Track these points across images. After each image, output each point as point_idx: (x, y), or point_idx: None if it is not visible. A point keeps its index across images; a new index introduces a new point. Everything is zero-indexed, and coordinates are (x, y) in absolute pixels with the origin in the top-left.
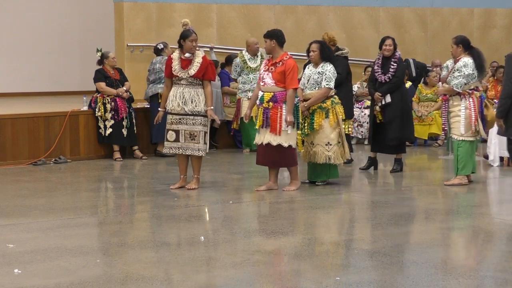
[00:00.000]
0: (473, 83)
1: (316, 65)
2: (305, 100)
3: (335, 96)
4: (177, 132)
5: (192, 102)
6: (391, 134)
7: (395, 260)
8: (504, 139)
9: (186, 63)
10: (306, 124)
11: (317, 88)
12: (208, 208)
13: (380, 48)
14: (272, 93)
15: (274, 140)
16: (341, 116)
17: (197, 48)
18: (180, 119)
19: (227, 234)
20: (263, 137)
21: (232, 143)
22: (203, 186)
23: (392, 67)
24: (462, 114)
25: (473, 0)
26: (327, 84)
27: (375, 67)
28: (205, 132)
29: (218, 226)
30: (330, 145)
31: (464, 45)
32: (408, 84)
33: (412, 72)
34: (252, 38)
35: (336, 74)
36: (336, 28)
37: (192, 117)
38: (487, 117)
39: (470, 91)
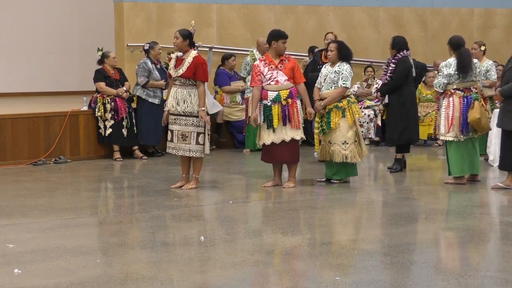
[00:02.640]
0: (458, 83)
1: (333, 64)
2: (321, 99)
3: (351, 96)
4: (172, 132)
5: (184, 103)
6: (387, 135)
7: (395, 260)
8: None
9: (179, 63)
10: (323, 123)
11: (333, 87)
12: (208, 208)
13: None
14: (288, 90)
15: (297, 134)
16: (357, 116)
17: (195, 48)
18: (175, 119)
19: (227, 234)
20: (285, 135)
21: (232, 143)
22: (203, 186)
23: (390, 68)
24: (442, 113)
25: (473, 0)
26: (343, 83)
27: (383, 67)
28: (198, 133)
29: (218, 226)
30: (347, 144)
31: (452, 45)
32: None
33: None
34: (262, 38)
35: (352, 74)
36: (336, 28)
37: (185, 117)
38: (468, 118)
39: (453, 91)
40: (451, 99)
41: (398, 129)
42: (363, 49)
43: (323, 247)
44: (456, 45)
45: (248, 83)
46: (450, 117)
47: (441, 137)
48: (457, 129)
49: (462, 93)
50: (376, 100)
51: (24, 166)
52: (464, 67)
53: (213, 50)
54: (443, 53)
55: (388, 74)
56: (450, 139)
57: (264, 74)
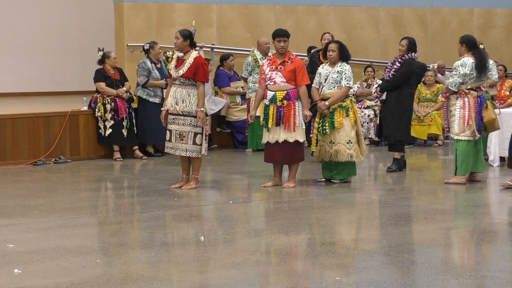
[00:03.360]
0: (471, 83)
1: (333, 64)
2: (323, 99)
3: (352, 95)
4: (170, 131)
5: (183, 102)
6: (384, 133)
7: (395, 260)
8: (504, 139)
9: (180, 63)
10: (326, 123)
11: (336, 87)
12: (208, 208)
13: None
14: (285, 92)
15: (290, 137)
16: (358, 115)
17: (197, 48)
18: (173, 119)
19: (227, 234)
20: (278, 136)
21: (232, 143)
22: (203, 186)
23: (395, 66)
24: (457, 113)
25: (473, 0)
26: (347, 83)
27: (388, 65)
28: (196, 133)
29: (218, 226)
30: (351, 143)
31: (468, 44)
32: None
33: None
34: (263, 37)
35: (353, 74)
36: (336, 28)
37: (183, 117)
38: (484, 118)
39: (467, 91)
40: (466, 99)
41: (391, 128)
42: (363, 49)
43: (323, 247)
44: (473, 45)
45: (249, 83)
46: (466, 117)
47: (455, 137)
48: (475, 128)
49: (476, 92)
50: (376, 99)
51: (24, 166)
52: (483, 67)
53: (214, 50)
54: (443, 53)
55: (391, 72)
56: (465, 138)
57: (266, 73)
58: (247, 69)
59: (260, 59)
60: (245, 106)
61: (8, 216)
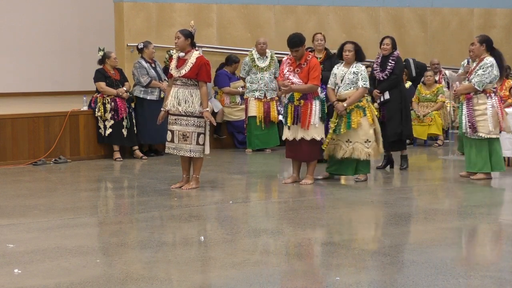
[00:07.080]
0: (495, 82)
1: (348, 65)
2: (340, 100)
3: (367, 95)
4: (172, 132)
5: (185, 103)
6: (390, 131)
7: (395, 260)
8: (504, 139)
9: (181, 63)
10: (342, 124)
11: (352, 88)
12: (208, 208)
13: (380, 47)
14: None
15: (307, 135)
16: (376, 114)
17: (196, 48)
18: (175, 119)
19: (227, 234)
20: (296, 133)
21: (232, 143)
22: (203, 186)
23: (390, 64)
24: (489, 112)
25: (473, 0)
26: (364, 84)
27: (374, 66)
28: (199, 133)
29: (218, 226)
30: (369, 142)
31: (488, 44)
32: (408, 84)
33: (412, 72)
34: (260, 38)
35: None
36: (336, 28)
37: (186, 117)
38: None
39: (494, 89)
40: (495, 98)
41: (402, 123)
42: (363, 49)
43: (323, 247)
44: (492, 45)
45: (248, 84)
46: (499, 116)
47: (486, 136)
48: (506, 125)
49: (500, 92)
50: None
51: (24, 166)
52: (503, 68)
53: (213, 50)
54: (443, 53)
55: (387, 70)
56: (497, 136)
57: (284, 72)
58: (245, 69)
59: (257, 58)
60: (252, 105)
61: (8, 216)
